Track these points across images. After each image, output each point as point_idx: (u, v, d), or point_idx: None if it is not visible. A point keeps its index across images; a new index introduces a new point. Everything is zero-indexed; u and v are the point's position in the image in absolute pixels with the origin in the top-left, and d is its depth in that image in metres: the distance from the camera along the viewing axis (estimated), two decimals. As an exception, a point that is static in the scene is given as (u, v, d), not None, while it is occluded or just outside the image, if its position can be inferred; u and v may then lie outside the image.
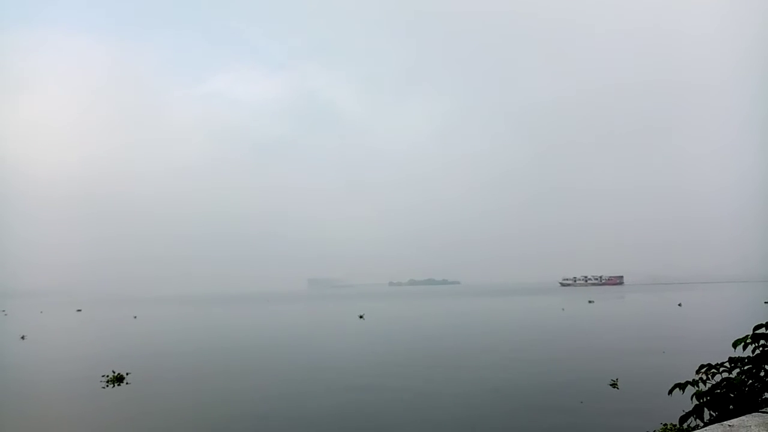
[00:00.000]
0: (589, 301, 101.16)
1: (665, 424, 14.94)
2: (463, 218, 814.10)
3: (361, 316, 72.84)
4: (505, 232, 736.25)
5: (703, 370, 6.98)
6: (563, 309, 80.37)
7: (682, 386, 7.08)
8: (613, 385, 22.34)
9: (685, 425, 7.22)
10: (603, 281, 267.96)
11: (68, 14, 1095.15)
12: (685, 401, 7.15)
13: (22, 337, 54.30)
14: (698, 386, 6.75)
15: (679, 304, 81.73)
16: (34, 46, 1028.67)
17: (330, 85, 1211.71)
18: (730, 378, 6.42)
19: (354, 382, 25.44)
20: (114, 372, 27.39)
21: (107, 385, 25.55)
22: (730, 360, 6.62)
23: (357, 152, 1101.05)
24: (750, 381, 6.27)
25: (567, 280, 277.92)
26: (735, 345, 6.65)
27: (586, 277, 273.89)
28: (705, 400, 6.43)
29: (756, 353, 6.43)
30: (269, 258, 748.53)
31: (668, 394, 7.52)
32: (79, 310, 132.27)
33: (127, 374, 27.38)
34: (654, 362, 28.92)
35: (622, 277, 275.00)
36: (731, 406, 6.20)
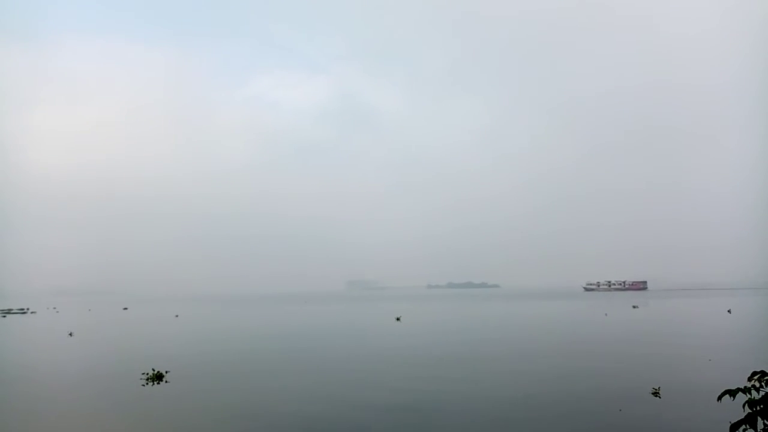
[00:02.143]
0: (633, 306, 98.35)
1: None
2: (503, 219, 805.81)
3: (398, 319, 72.64)
4: (543, 234, 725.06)
5: (756, 378, 6.55)
6: (606, 314, 78.34)
7: (732, 393, 6.67)
8: (655, 393, 21.45)
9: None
10: (627, 286, 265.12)
11: (115, 23, 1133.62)
12: (733, 411, 6.67)
13: (70, 334, 56.22)
14: (750, 394, 6.32)
15: (729, 311, 78.58)
16: (88, 53, 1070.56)
17: (371, 87, 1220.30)
18: (786, 386, 5.98)
19: (394, 384, 25.23)
20: (154, 370, 27.90)
21: (147, 383, 26.00)
22: (786, 367, 6.16)
23: (397, 154, 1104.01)
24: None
25: (591, 284, 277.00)
26: None
27: (609, 281, 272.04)
28: (758, 408, 6.02)
29: None
30: (309, 259, 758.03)
31: (717, 400, 7.09)
32: (126, 309, 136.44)
33: (166, 372, 27.82)
34: (700, 370, 27.75)
35: (645, 282, 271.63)
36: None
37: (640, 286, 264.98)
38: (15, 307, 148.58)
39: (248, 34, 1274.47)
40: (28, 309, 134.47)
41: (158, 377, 27.01)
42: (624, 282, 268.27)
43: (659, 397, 20.88)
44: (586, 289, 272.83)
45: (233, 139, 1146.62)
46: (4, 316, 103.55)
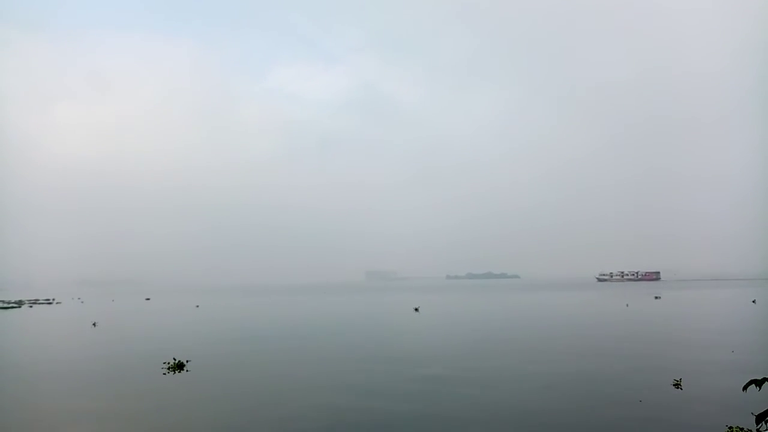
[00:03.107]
0: (656, 297, 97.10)
1: (731, 427, 13.94)
2: (522, 209, 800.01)
3: (416, 309, 72.68)
4: (562, 223, 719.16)
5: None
6: (627, 305, 77.49)
7: (758, 383, 6.51)
8: (677, 384, 21.15)
9: (762, 424, 6.60)
10: (640, 276, 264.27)
11: (138, 17, 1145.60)
12: (758, 403, 6.49)
13: (94, 324, 57.28)
14: (777, 384, 6.14)
15: (754, 301, 77.16)
16: (112, 48, 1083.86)
17: (389, 77, 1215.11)
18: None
19: (412, 374, 25.25)
20: (175, 359, 28.28)
21: (168, 372, 26.37)
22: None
23: (416, 144, 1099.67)
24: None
25: (604, 275, 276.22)
26: None
27: (622, 272, 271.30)
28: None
29: None
30: (328, 250, 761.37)
31: (743, 390, 6.94)
32: (148, 299, 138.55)
33: (187, 362, 28.17)
34: (722, 361, 27.29)
35: (658, 272, 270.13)
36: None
37: (653, 277, 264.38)
38: (41, 297, 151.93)
39: (267, 26, 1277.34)
40: (53, 299, 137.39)
41: (179, 366, 27.36)
42: (637, 273, 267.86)
43: (681, 389, 20.59)
44: (599, 280, 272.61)
45: (254, 132, 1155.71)
46: (31, 307, 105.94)
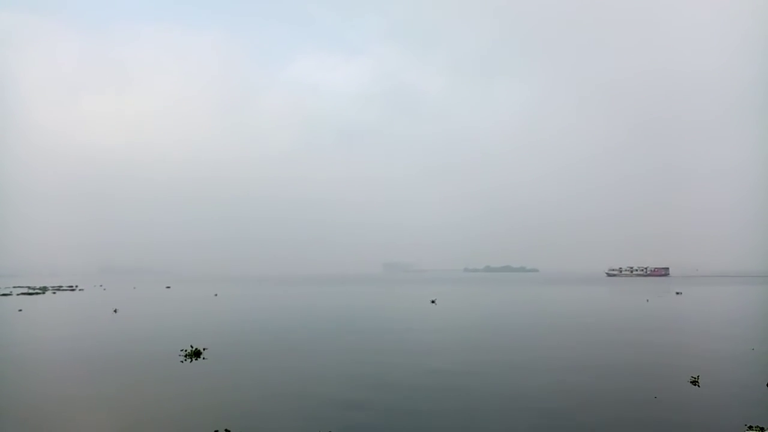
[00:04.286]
0: (677, 293, 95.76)
1: (750, 427, 13.70)
2: (541, 203, 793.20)
3: (432, 301, 72.61)
4: (579, 218, 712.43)
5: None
6: (647, 300, 76.54)
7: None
8: (694, 382, 20.86)
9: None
10: (648, 272, 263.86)
11: (163, 9, 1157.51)
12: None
13: (115, 311, 58.32)
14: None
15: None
16: (139, 39, 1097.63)
17: (410, 68, 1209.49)
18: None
19: (429, 365, 25.28)
20: (192, 347, 28.68)
21: (185, 360, 26.73)
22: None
23: (437, 137, 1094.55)
24: None
25: (613, 270, 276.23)
26: None
27: (632, 267, 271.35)
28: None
29: None
30: (347, 242, 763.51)
31: (767, 386, 6.83)
32: (168, 287, 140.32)
33: (204, 349, 28.55)
34: (741, 359, 26.83)
35: (667, 268, 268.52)
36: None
37: (662, 273, 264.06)
38: (65, 284, 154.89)
39: (287, 17, 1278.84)
40: (76, 286, 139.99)
41: (196, 354, 27.73)
42: (646, 268, 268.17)
43: (698, 386, 20.32)
44: (609, 275, 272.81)
45: (275, 124, 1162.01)
46: (54, 293, 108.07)
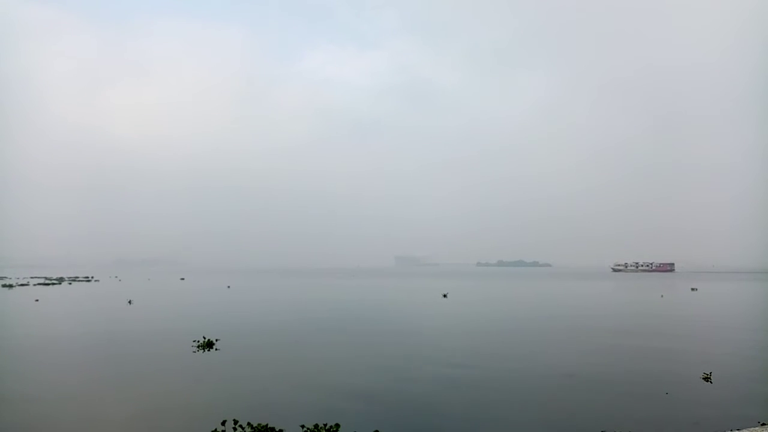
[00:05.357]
0: (692, 289, 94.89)
1: (763, 424, 13.55)
2: (556, 197, 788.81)
3: (444, 295, 72.60)
4: (590, 213, 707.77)
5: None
6: (662, 296, 75.93)
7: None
8: (706, 378, 20.69)
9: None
10: (654, 267, 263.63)
11: (181, 2, 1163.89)
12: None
13: (129, 302, 59.05)
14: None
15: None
16: (159, 33, 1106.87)
17: (425, 61, 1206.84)
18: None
19: (441, 358, 25.33)
20: (204, 338, 28.99)
21: (197, 350, 27.03)
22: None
23: (452, 129, 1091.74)
24: None
25: (619, 265, 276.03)
26: None
27: (637, 263, 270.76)
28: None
29: None
30: (359, 235, 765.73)
31: None
32: (183, 279, 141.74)
33: (216, 340, 28.86)
34: (758, 356, 26.56)
35: (673, 264, 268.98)
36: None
37: (667, 268, 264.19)
38: (81, 275, 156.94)
39: (300, 10, 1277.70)
40: (92, 277, 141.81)
41: (209, 345, 28.02)
42: (651, 263, 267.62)
43: (710, 382, 20.15)
44: (614, 270, 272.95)
45: (290, 117, 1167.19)
46: (70, 284, 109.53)
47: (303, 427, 13.76)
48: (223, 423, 13.67)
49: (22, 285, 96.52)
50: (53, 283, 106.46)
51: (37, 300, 62.67)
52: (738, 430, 13.42)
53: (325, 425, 13.64)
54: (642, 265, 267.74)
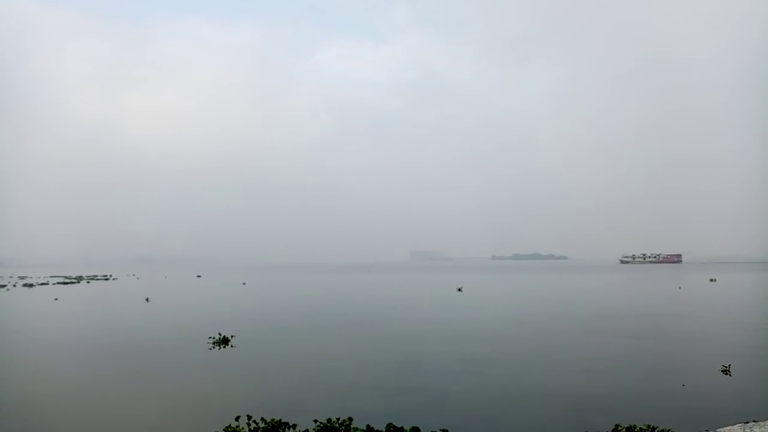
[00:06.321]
0: (711, 280, 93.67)
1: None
2: (571, 189, 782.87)
3: (459, 289, 72.40)
4: (605, 204, 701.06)
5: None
6: (680, 287, 75.03)
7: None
8: (725, 371, 20.37)
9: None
10: (661, 259, 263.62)
11: (201, 2, 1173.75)
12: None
13: (147, 299, 59.68)
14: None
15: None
16: (176, 34, 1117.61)
17: (440, 55, 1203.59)
18: None
19: (455, 353, 25.27)
20: (220, 334, 29.18)
21: (213, 347, 27.20)
22: None
23: (467, 123, 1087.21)
24: None
25: (627, 257, 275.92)
26: None
27: (644, 254, 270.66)
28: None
29: None
30: (375, 230, 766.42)
31: None
32: (199, 276, 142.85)
33: (231, 337, 29.02)
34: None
35: (680, 255, 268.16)
36: None
37: (675, 259, 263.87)
38: (99, 274, 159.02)
39: (316, 6, 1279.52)
40: (110, 276, 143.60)
41: (224, 341, 28.19)
42: (659, 255, 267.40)
43: (729, 375, 19.84)
44: (622, 262, 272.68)
45: (307, 113, 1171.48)
46: (88, 282, 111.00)
47: (316, 421, 13.75)
48: (237, 418, 13.73)
49: (42, 284, 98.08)
50: (72, 282, 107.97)
51: (56, 299, 63.61)
52: (754, 421, 13.18)
53: (338, 419, 13.63)
54: (649, 257, 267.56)
